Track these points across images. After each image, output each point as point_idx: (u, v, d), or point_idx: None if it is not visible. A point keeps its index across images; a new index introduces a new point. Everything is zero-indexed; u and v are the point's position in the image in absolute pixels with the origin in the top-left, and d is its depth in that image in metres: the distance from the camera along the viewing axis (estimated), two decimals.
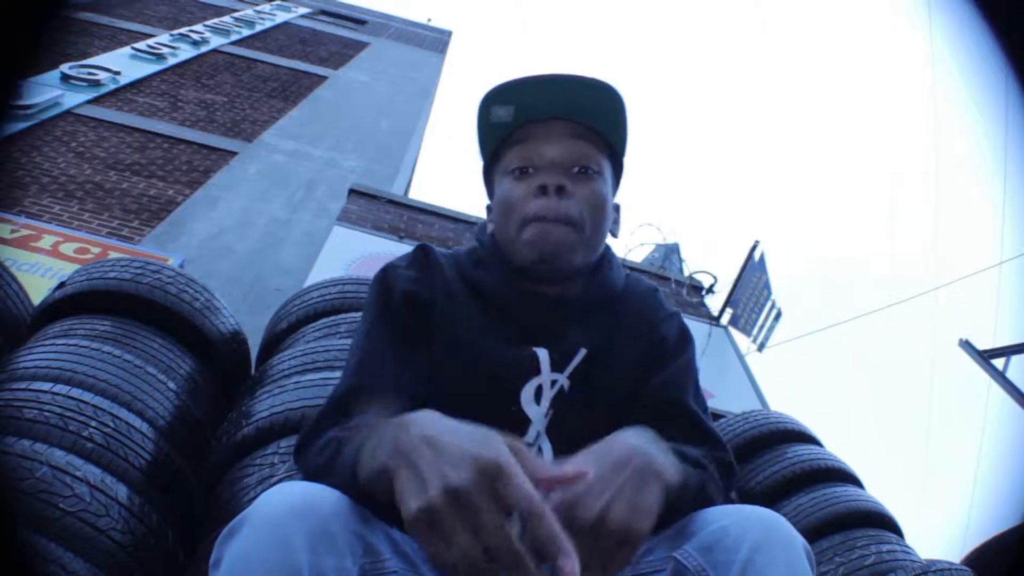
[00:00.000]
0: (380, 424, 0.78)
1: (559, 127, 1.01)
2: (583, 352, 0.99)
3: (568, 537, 0.62)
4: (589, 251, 1.03)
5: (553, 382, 0.98)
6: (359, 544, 0.72)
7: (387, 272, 1.05)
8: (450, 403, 0.91)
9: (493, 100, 1.02)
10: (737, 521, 0.78)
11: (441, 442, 0.66)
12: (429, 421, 0.70)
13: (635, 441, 0.77)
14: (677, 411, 1.00)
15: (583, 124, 1.02)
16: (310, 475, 0.88)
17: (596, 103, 1.02)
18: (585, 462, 0.73)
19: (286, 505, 0.71)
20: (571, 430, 0.97)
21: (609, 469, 0.72)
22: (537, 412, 0.97)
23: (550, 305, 1.02)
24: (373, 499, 0.75)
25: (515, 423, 0.96)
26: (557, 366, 0.99)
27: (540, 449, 0.96)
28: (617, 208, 1.13)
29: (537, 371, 0.98)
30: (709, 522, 0.79)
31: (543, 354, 0.99)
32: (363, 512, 0.75)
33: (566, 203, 0.99)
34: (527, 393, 0.97)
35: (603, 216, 1.03)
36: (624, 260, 7.12)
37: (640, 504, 0.71)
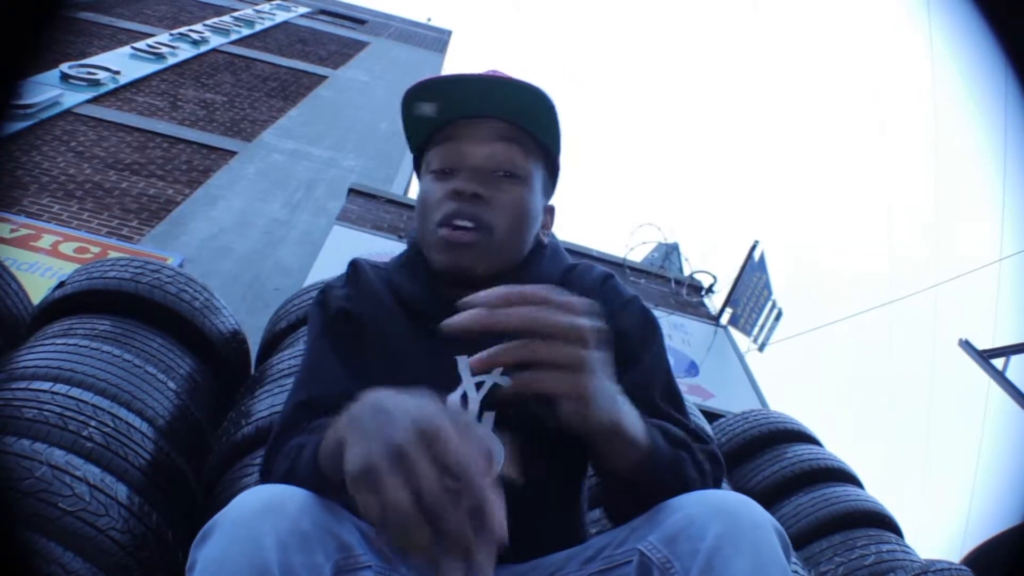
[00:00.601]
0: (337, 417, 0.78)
1: (487, 127, 0.98)
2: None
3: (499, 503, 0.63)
4: (504, 257, 1.00)
5: (479, 385, 0.95)
6: (331, 540, 0.72)
7: (324, 293, 1.06)
8: None
9: (416, 95, 0.99)
10: (703, 509, 0.75)
11: (388, 408, 0.67)
12: (381, 393, 0.70)
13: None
14: (648, 415, 0.94)
15: (511, 124, 0.98)
16: (275, 480, 0.87)
17: (525, 104, 0.98)
18: None
19: (256, 506, 0.71)
20: (525, 426, 0.93)
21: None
22: None
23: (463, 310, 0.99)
24: (338, 488, 0.74)
25: None
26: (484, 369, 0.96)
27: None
28: (550, 210, 1.10)
29: (458, 379, 0.95)
30: (674, 511, 0.77)
31: (462, 361, 0.95)
32: (334, 508, 0.75)
33: (479, 208, 0.96)
34: (452, 402, 0.94)
35: (523, 221, 1.00)
36: (624, 260, 7.12)
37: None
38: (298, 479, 0.79)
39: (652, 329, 1.03)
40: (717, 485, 0.93)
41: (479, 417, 0.94)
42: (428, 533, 0.59)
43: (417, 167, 1.08)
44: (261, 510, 0.71)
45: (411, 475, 0.61)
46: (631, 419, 0.80)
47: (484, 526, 0.61)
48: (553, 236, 1.13)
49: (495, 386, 0.96)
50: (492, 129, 0.98)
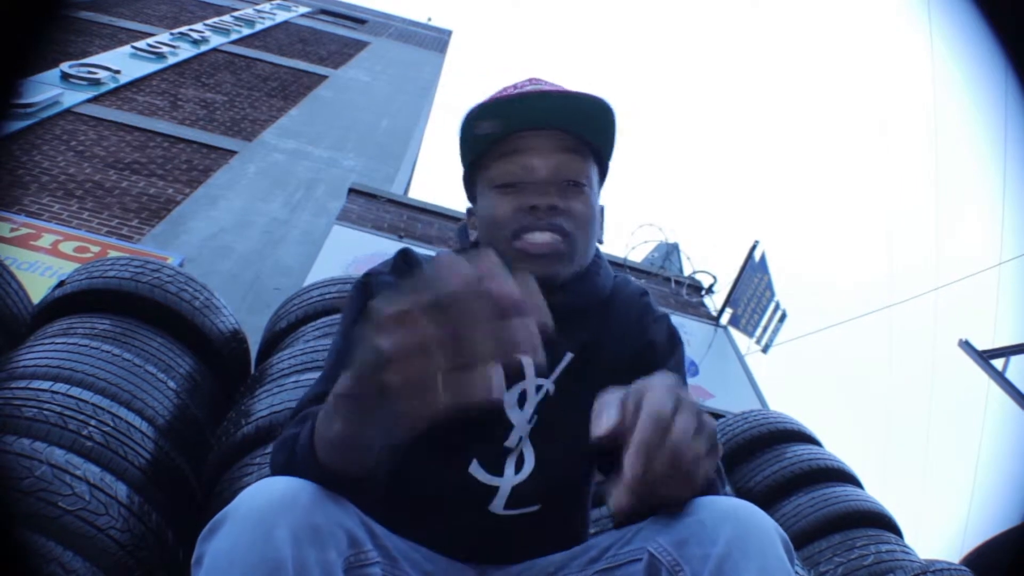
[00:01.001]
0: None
1: (547, 139, 0.99)
2: (569, 356, 0.99)
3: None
4: (580, 262, 1.02)
5: (538, 387, 0.97)
6: (343, 536, 0.72)
7: (369, 278, 1.04)
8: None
9: (478, 116, 1.00)
10: (712, 514, 0.76)
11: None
12: None
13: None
14: None
15: (571, 134, 1.00)
16: (277, 472, 0.86)
17: (584, 113, 1.00)
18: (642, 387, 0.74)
19: (267, 499, 0.70)
20: (555, 436, 0.97)
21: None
22: (520, 417, 0.96)
23: None
24: (335, 474, 0.74)
25: (496, 427, 0.95)
26: (542, 372, 0.98)
27: (522, 452, 0.96)
28: (602, 211, 1.13)
29: (521, 376, 0.97)
30: (685, 515, 0.78)
31: (527, 360, 0.95)
32: (344, 503, 0.74)
33: (559, 219, 0.98)
34: (511, 398, 0.96)
35: (592, 227, 1.03)
36: (624, 260, 7.12)
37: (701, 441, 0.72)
38: (295, 469, 0.78)
39: (676, 343, 1.08)
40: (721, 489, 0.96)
41: (529, 420, 0.96)
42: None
43: (470, 181, 1.08)
44: (273, 503, 0.69)
45: (461, 312, 0.57)
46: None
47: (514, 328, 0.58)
48: (596, 245, 1.15)
49: (546, 393, 0.98)
50: (554, 140, 0.99)
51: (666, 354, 1.05)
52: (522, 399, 0.97)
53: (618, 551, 0.82)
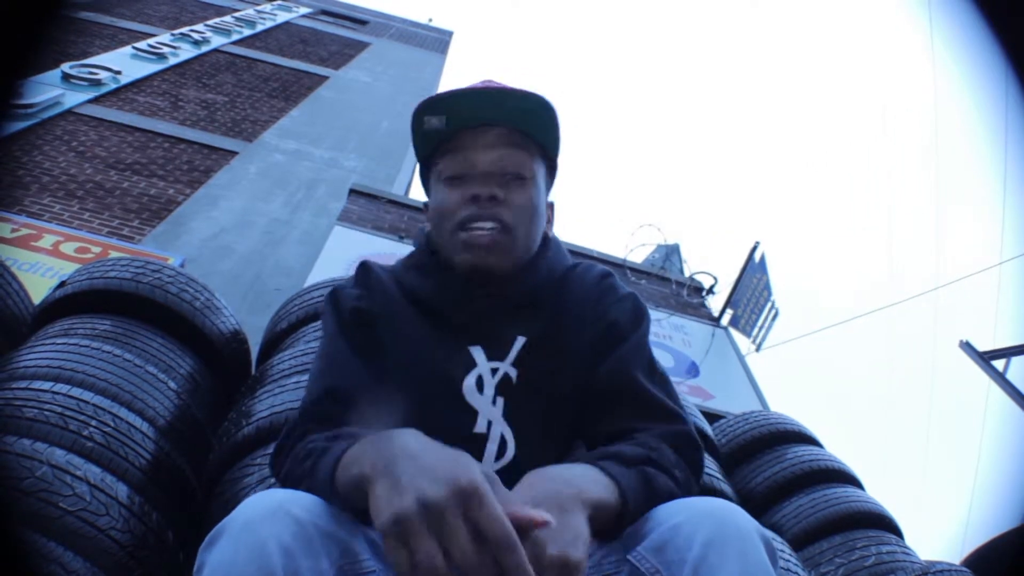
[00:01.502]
0: (361, 435, 0.81)
1: (491, 134, 1.04)
2: (521, 340, 1.02)
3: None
4: (522, 253, 1.06)
5: (494, 371, 1.01)
6: (335, 546, 0.74)
7: (335, 294, 1.10)
8: (405, 406, 0.95)
9: (425, 111, 1.05)
10: (689, 517, 0.77)
11: (421, 458, 0.69)
12: (411, 437, 0.73)
13: (556, 473, 0.80)
14: (627, 390, 1.01)
15: (514, 129, 1.04)
16: (288, 481, 0.90)
17: (525, 110, 1.04)
18: (521, 499, 0.75)
19: (261, 510, 0.73)
20: (528, 417, 1.00)
21: (532, 505, 0.74)
22: (482, 401, 0.99)
23: (482, 303, 1.04)
24: (350, 505, 0.77)
25: (463, 415, 0.99)
26: (495, 356, 1.01)
27: (503, 437, 0.98)
28: (551, 206, 1.17)
29: (473, 363, 1.01)
30: (661, 521, 0.79)
31: (477, 351, 1.02)
32: (339, 514, 0.77)
33: (497, 210, 1.01)
34: (468, 385, 0.99)
35: (534, 219, 1.06)
36: (624, 261, 7.12)
37: (568, 532, 0.73)
38: (309, 486, 0.81)
39: (640, 317, 1.10)
40: (696, 472, 0.96)
41: (492, 402, 0.99)
42: None
43: (425, 177, 1.13)
44: (267, 515, 0.72)
45: (444, 535, 0.63)
46: (598, 489, 0.80)
47: None
48: (554, 234, 1.19)
49: (505, 375, 1.01)
50: (498, 136, 1.04)
51: (628, 330, 1.07)
52: (480, 384, 1.00)
53: (601, 561, 0.83)
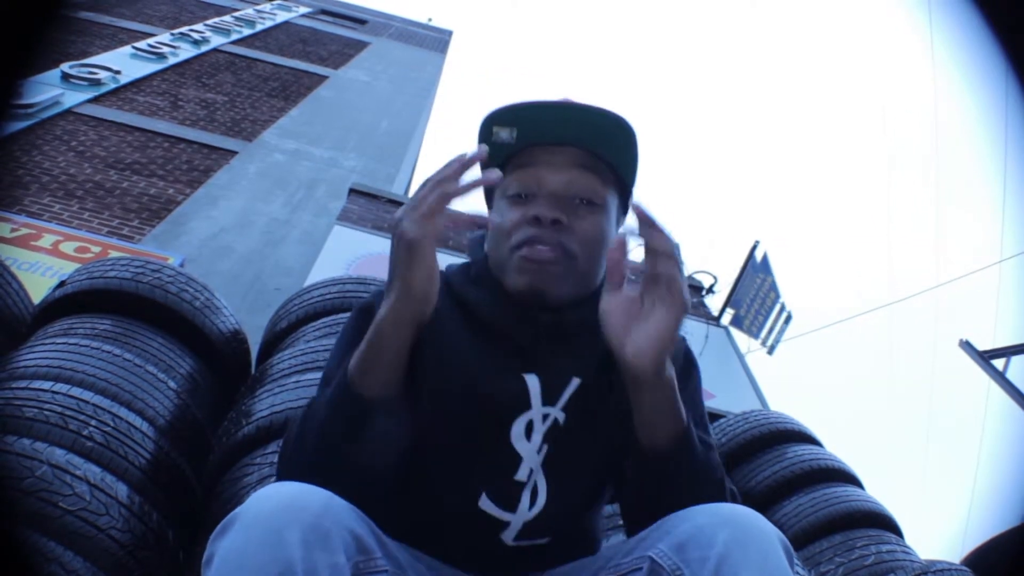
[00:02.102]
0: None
1: (565, 154, 0.98)
2: (576, 382, 0.96)
3: None
4: (582, 284, 0.99)
5: (545, 416, 0.94)
6: (352, 542, 0.73)
7: (376, 298, 1.00)
8: (438, 427, 0.92)
9: (496, 120, 0.99)
10: (711, 518, 0.78)
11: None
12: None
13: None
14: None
15: (590, 152, 0.98)
16: (298, 456, 0.87)
17: (605, 132, 0.98)
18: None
19: (279, 502, 0.71)
20: (568, 465, 0.95)
21: None
22: (528, 448, 0.94)
23: (541, 328, 0.98)
24: (363, 398, 0.83)
25: (505, 459, 0.93)
26: (548, 398, 0.95)
27: (536, 485, 0.94)
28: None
29: (527, 405, 0.94)
30: (683, 520, 0.79)
31: (533, 382, 0.95)
32: (354, 510, 0.76)
33: (560, 235, 0.95)
34: (517, 429, 0.93)
35: (600, 249, 0.99)
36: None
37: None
38: (331, 400, 0.85)
39: (692, 367, 1.07)
40: (735, 499, 0.94)
41: (539, 450, 0.94)
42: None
43: (488, 190, 1.07)
44: (284, 506, 0.71)
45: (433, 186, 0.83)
46: (678, 392, 0.87)
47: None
48: None
49: (555, 421, 0.95)
50: (570, 156, 0.98)
51: (684, 376, 1.01)
52: (529, 429, 0.94)
53: (621, 560, 0.84)
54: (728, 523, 0.76)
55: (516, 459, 0.93)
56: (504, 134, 0.99)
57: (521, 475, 0.93)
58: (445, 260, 1.05)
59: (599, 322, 0.94)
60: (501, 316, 0.98)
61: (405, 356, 0.85)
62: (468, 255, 1.11)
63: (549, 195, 0.97)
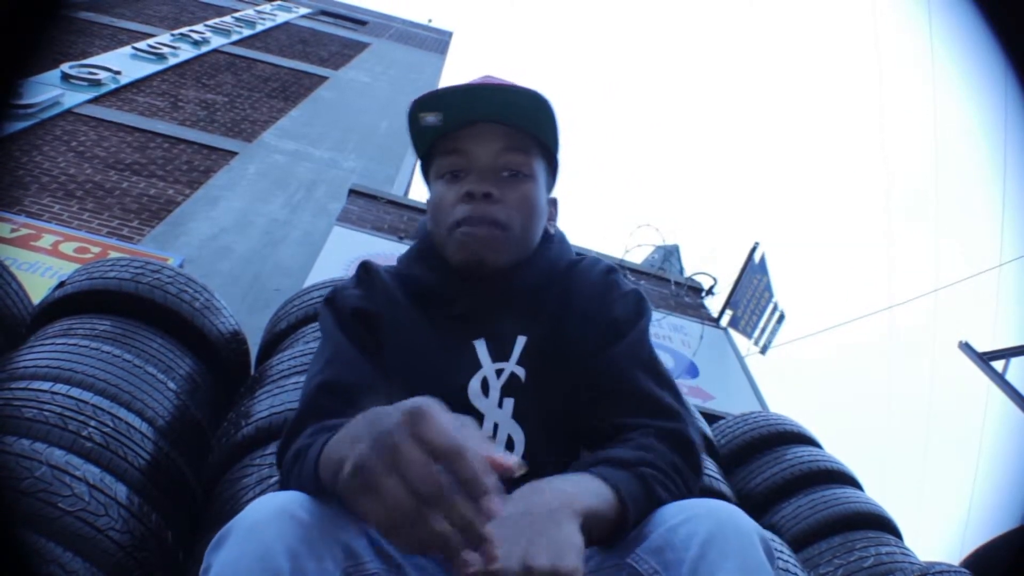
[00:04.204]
0: (341, 425, 0.78)
1: (488, 131, 1.03)
2: (523, 340, 1.01)
3: (491, 476, 0.61)
4: (519, 250, 1.05)
5: (500, 372, 1.00)
6: (340, 549, 0.74)
7: (334, 294, 1.08)
8: None
9: (422, 106, 1.04)
10: (687, 518, 0.77)
11: (381, 412, 0.66)
12: (380, 408, 0.69)
13: (548, 484, 0.79)
14: (624, 387, 0.99)
15: (511, 126, 1.03)
16: (286, 482, 0.89)
17: (523, 107, 1.03)
18: (513, 509, 0.74)
19: (267, 513, 0.73)
20: (538, 416, 0.99)
21: (522, 518, 0.73)
22: (487, 404, 0.98)
23: (484, 295, 1.04)
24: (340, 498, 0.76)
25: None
26: (499, 356, 1.01)
27: (510, 439, 0.97)
28: (554, 202, 1.16)
29: (478, 365, 1.00)
30: (660, 523, 0.79)
31: (480, 346, 1.01)
32: (344, 516, 0.76)
33: (493, 207, 1.01)
34: (473, 388, 0.99)
35: (532, 215, 1.06)
36: (622, 261, 7.12)
37: (558, 541, 0.70)
38: (304, 488, 0.81)
39: (641, 312, 1.07)
40: (695, 471, 0.94)
41: (499, 403, 0.98)
42: (433, 527, 0.59)
43: (425, 174, 1.12)
44: (273, 517, 0.73)
45: (402, 466, 0.60)
46: (588, 497, 0.78)
47: (480, 499, 0.60)
48: (559, 229, 1.18)
49: (512, 375, 1.00)
50: (494, 133, 1.03)
51: (628, 325, 1.05)
52: (485, 386, 0.99)
53: (601, 564, 0.83)
54: (706, 521, 0.75)
55: (478, 416, 0.98)
56: (431, 118, 1.04)
57: (485, 430, 0.97)
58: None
59: (540, 282, 1.05)
60: (446, 288, 1.05)
61: None
62: (414, 236, 1.18)
63: (479, 171, 1.03)
